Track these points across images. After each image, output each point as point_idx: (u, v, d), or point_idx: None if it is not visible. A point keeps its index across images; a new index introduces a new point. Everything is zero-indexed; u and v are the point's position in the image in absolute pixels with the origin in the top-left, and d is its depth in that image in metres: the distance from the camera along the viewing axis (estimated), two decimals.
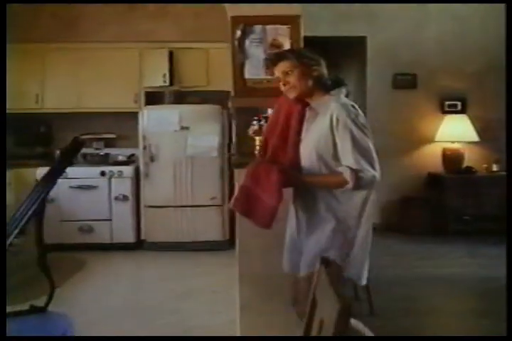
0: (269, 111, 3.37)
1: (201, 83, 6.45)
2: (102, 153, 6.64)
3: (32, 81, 6.56)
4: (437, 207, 6.67)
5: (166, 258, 5.93)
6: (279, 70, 2.60)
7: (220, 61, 6.34)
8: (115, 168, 6.22)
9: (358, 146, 2.48)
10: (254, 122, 3.39)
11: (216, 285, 4.88)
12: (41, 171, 6.11)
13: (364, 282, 2.72)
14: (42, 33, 6.59)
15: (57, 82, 6.53)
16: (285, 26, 3.32)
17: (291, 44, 3.33)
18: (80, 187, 6.18)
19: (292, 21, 3.32)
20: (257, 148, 3.39)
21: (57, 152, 6.21)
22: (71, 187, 6.13)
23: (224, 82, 6.38)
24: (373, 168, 2.50)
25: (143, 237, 6.30)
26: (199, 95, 6.30)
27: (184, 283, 4.99)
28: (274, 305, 3.36)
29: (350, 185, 2.46)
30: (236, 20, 3.30)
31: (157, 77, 6.45)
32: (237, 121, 3.48)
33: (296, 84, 2.56)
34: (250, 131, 3.40)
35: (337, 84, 2.62)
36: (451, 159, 6.69)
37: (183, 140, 6.07)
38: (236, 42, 3.32)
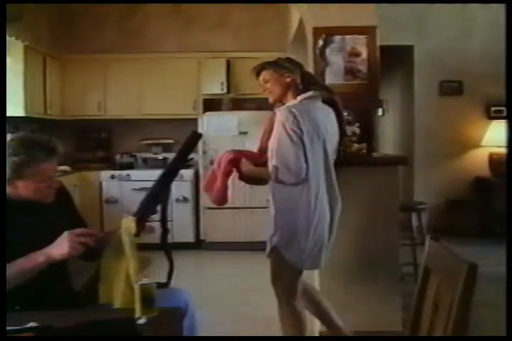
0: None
1: (257, 90, 6.70)
2: (160, 158, 6.97)
3: (95, 89, 6.92)
4: (484, 209, 6.89)
5: (224, 257, 6.21)
6: (260, 79, 3.12)
7: None
8: None
9: (280, 148, 2.86)
10: None
11: None
12: (104, 174, 6.54)
13: (307, 268, 3.14)
14: (104, 45, 6.99)
15: (119, 90, 6.89)
16: (362, 36, 3.61)
17: (369, 52, 3.61)
18: (142, 189, 6.48)
19: (369, 32, 3.61)
20: None
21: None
22: (134, 189, 6.45)
23: None
24: (288, 170, 2.85)
25: (202, 237, 6.60)
26: (255, 102, 6.58)
27: (245, 280, 5.24)
28: (355, 293, 3.64)
29: (272, 179, 2.93)
30: (318, 31, 3.59)
31: (215, 85, 6.78)
32: None
33: (271, 89, 3.06)
34: None
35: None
36: (498, 163, 6.89)
37: (241, 144, 6.32)
38: (318, 51, 3.60)
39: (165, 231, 2.55)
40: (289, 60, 3.13)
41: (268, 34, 6.85)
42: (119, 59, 6.89)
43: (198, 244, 6.60)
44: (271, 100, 3.10)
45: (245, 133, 6.35)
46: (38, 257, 2.05)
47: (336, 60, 3.62)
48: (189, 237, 6.54)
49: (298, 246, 2.96)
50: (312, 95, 2.99)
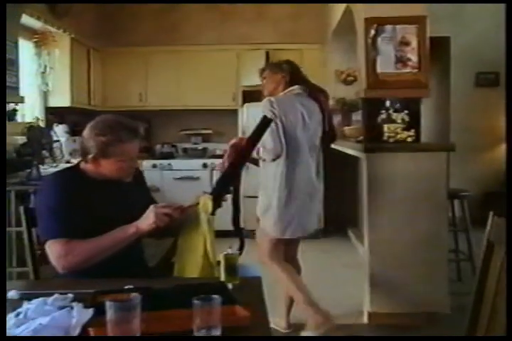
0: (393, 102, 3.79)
1: None
2: (200, 148, 7.12)
3: (136, 81, 7.09)
4: None
5: None
6: (261, 78, 3.72)
7: (313, 61, 6.76)
8: (216, 161, 6.67)
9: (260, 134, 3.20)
10: (383, 111, 3.78)
11: (324, 267, 5.26)
12: (146, 163, 6.70)
13: (286, 236, 3.50)
14: (145, 37, 7.14)
15: (159, 82, 7.05)
16: (413, 26, 3.70)
17: (418, 41, 3.71)
18: (183, 178, 6.66)
19: (419, 21, 3.71)
20: (386, 134, 3.81)
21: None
22: (175, 178, 6.62)
23: (317, 82, 6.84)
24: (264, 148, 3.37)
25: (242, 225, 6.71)
26: None
27: None
28: (403, 274, 3.75)
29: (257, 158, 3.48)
30: (369, 21, 3.69)
31: (254, 77, 6.83)
32: (366, 110, 3.86)
33: (266, 85, 3.66)
34: (379, 120, 3.79)
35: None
36: None
37: None
38: (369, 41, 3.70)
39: (237, 210, 2.71)
40: (287, 62, 3.68)
41: (307, 26, 6.94)
42: (159, 51, 7.05)
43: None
44: (265, 93, 3.65)
45: None
46: (129, 229, 2.21)
47: (386, 49, 3.72)
48: (229, 225, 6.64)
49: (272, 216, 3.42)
50: (296, 90, 3.53)
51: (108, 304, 1.38)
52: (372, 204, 3.78)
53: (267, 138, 3.29)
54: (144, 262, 2.59)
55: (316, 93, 3.58)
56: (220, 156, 6.88)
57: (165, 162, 6.77)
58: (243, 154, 2.96)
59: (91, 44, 6.72)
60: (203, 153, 7.07)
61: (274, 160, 3.41)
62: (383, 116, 3.77)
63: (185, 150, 7.12)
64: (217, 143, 7.26)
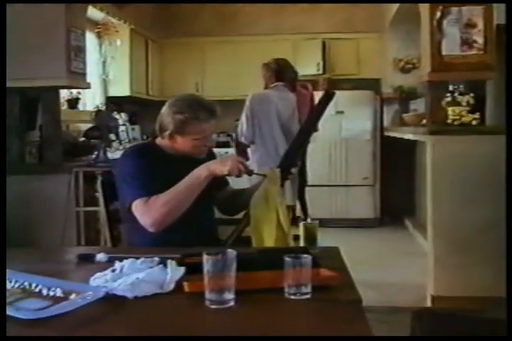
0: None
1: (352, 71, 6.87)
2: None
3: (192, 71, 7.18)
4: None
5: (322, 233, 6.34)
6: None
7: (370, 50, 6.74)
8: None
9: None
10: (448, 94, 3.75)
11: (384, 255, 5.26)
12: None
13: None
14: (202, 28, 7.22)
15: (216, 72, 7.12)
16: (479, 7, 3.66)
17: (485, 23, 3.67)
18: None
19: (485, 2, 3.67)
20: (450, 117, 3.78)
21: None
22: None
23: (374, 70, 6.84)
24: (241, 134, 4.27)
25: (298, 214, 6.75)
26: (350, 82, 6.67)
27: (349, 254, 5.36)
28: (466, 258, 3.72)
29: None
30: (435, 3, 3.66)
31: (310, 66, 6.90)
32: (430, 94, 3.84)
33: (263, 82, 4.47)
34: (443, 103, 3.76)
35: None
36: None
37: (337, 123, 6.48)
38: (435, 23, 3.67)
39: (303, 183, 2.75)
40: (276, 61, 4.43)
41: (363, 14, 6.90)
42: (216, 42, 7.13)
43: (294, 220, 6.74)
44: (264, 87, 4.46)
45: (341, 112, 6.46)
46: (202, 172, 2.27)
47: (452, 32, 3.69)
48: None
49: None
50: (278, 85, 4.31)
51: (205, 258, 1.42)
52: (436, 188, 3.76)
53: (242, 125, 4.21)
54: (217, 237, 2.65)
55: (297, 88, 4.44)
56: None
57: (221, 151, 6.83)
58: (308, 128, 2.95)
59: (149, 35, 6.85)
60: None
61: (248, 146, 4.26)
62: (448, 99, 3.73)
63: None
64: None
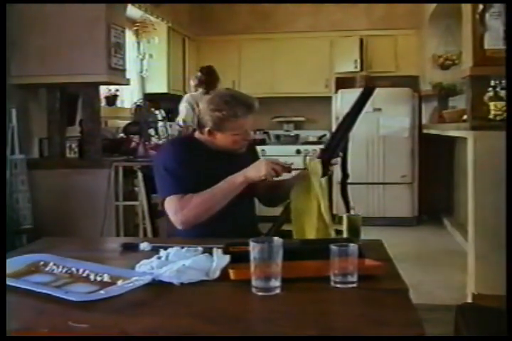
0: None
1: (390, 68, 6.81)
2: (292, 134, 7.16)
3: (229, 68, 7.16)
4: None
5: None
6: None
7: (408, 47, 6.68)
8: (310, 147, 6.68)
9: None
10: (490, 89, 3.69)
11: (423, 253, 5.20)
12: None
13: None
14: (239, 26, 7.23)
15: (253, 69, 7.12)
16: None
17: None
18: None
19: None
20: (492, 112, 3.71)
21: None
22: None
23: (412, 67, 6.77)
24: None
25: (334, 211, 6.71)
26: (388, 80, 6.60)
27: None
28: (500, 256, 3.65)
29: None
30: None
31: (347, 63, 6.87)
32: (471, 88, 3.78)
33: None
34: (485, 98, 3.70)
35: None
36: None
37: (375, 121, 6.43)
38: (477, 16, 3.61)
39: (345, 175, 2.73)
40: (205, 69, 5.54)
41: (401, 11, 6.83)
42: (252, 39, 7.13)
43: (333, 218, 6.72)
44: None
45: (379, 109, 6.39)
46: (237, 178, 2.28)
47: (494, 25, 3.62)
48: None
49: None
50: (199, 90, 5.31)
51: (252, 245, 1.42)
52: (478, 185, 3.70)
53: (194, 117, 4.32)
54: (258, 230, 2.65)
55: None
56: (313, 143, 6.95)
57: (258, 148, 6.83)
58: (348, 122, 2.91)
59: (186, 33, 6.89)
60: (295, 140, 7.11)
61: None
62: (490, 93, 3.67)
63: (277, 136, 7.18)
64: (309, 130, 7.28)
